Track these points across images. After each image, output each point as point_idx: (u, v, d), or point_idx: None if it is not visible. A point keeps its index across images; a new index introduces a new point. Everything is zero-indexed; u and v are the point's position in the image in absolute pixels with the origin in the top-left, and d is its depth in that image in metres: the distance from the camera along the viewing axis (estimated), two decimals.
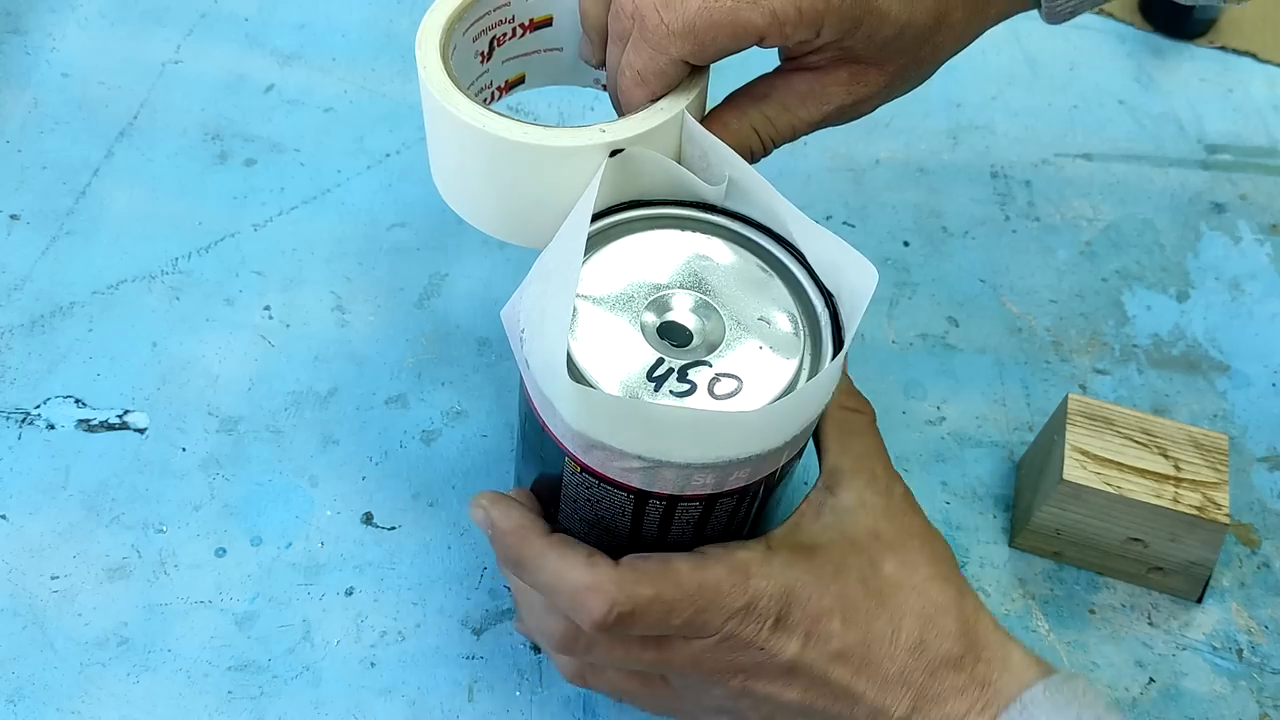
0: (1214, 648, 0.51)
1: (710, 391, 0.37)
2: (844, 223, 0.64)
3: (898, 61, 0.42)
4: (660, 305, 0.39)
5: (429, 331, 0.56)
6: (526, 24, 0.46)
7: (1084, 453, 0.49)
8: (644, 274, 0.40)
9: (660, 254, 0.41)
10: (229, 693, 0.45)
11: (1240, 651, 0.51)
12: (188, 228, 0.59)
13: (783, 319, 0.39)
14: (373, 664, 0.47)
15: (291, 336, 0.55)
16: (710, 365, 0.38)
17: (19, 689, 0.45)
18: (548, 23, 0.46)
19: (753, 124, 0.42)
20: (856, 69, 0.42)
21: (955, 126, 0.70)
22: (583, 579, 0.36)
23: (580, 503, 0.40)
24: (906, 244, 0.64)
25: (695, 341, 0.39)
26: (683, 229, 0.41)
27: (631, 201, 0.42)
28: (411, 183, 0.62)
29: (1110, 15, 0.79)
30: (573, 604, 0.37)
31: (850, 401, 0.42)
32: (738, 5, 0.38)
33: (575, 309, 0.38)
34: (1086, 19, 0.78)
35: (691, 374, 0.37)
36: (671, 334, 0.39)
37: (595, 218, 0.40)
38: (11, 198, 0.58)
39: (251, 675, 0.46)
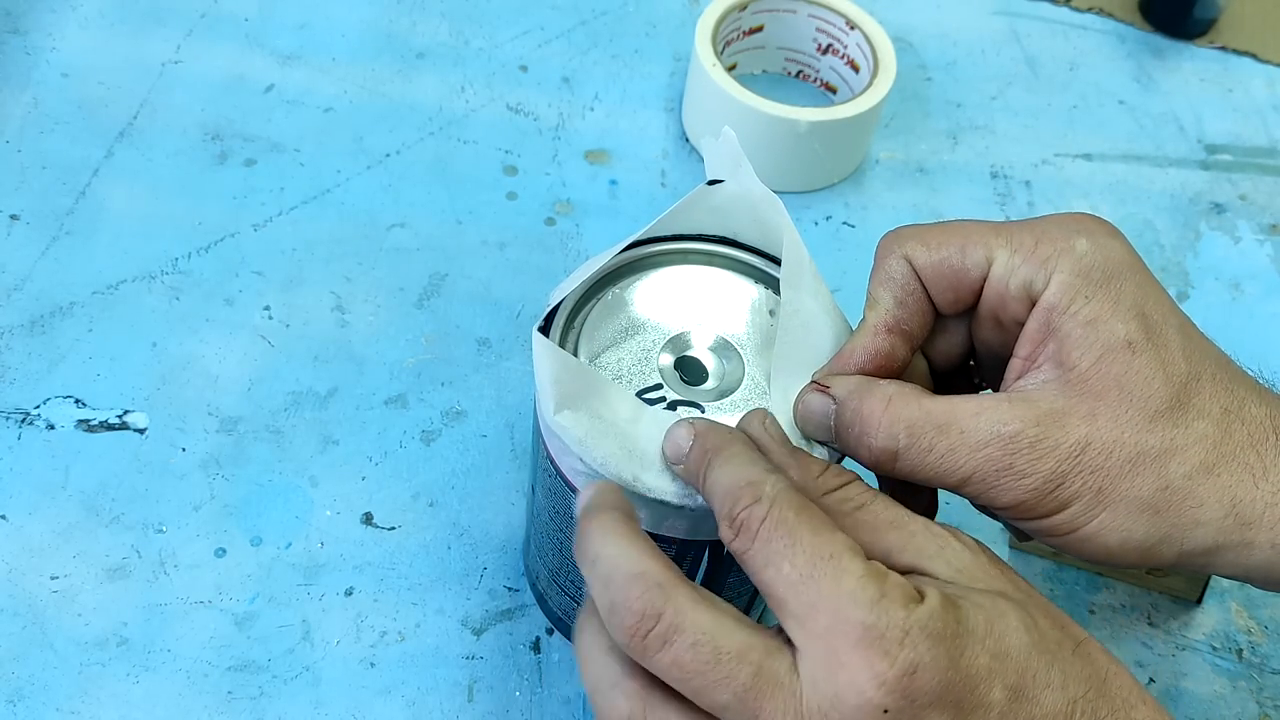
0: (1214, 648, 0.51)
1: None
2: (844, 223, 0.64)
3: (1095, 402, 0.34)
4: (697, 341, 0.39)
5: (429, 331, 0.56)
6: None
7: None
8: (698, 306, 0.39)
9: (728, 296, 0.40)
10: (229, 693, 0.45)
11: (1240, 652, 0.51)
12: (188, 228, 0.59)
13: None
14: (372, 664, 0.47)
15: (291, 336, 0.55)
16: (702, 411, 0.37)
17: (19, 689, 0.45)
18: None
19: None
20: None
21: (955, 126, 0.70)
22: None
23: (546, 494, 0.40)
24: None
25: (707, 386, 0.38)
26: (764, 285, 0.41)
27: (727, 239, 0.41)
28: (411, 183, 0.62)
29: (1110, 15, 0.79)
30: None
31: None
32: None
33: (594, 298, 0.39)
34: (1087, 19, 0.78)
35: (680, 411, 0.37)
36: (689, 370, 0.38)
37: (689, 239, 0.40)
38: (11, 198, 0.58)
39: (251, 675, 0.46)
